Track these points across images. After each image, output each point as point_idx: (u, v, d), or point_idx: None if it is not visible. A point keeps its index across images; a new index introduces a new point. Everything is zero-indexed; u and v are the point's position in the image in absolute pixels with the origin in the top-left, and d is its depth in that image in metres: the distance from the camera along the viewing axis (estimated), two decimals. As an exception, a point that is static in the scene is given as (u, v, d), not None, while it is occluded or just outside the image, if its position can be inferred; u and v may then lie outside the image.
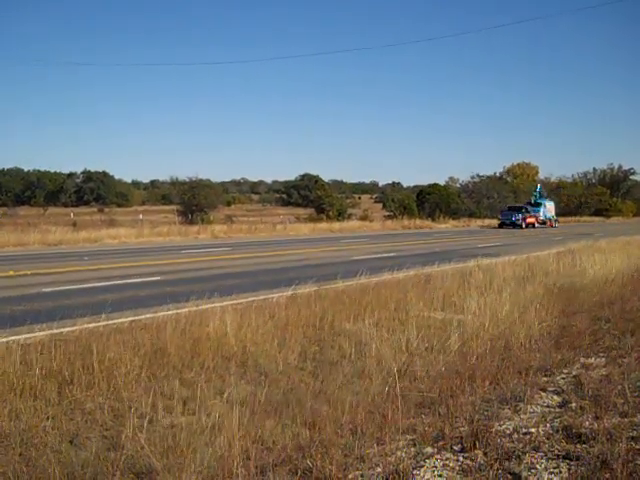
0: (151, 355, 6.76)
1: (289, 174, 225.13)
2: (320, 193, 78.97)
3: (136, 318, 9.10)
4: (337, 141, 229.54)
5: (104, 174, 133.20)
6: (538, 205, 68.41)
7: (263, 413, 5.16)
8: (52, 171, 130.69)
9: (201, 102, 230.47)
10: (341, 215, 71.06)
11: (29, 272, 17.55)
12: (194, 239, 37.59)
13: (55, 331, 8.17)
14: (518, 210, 62.21)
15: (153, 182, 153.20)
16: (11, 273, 17.20)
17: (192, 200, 59.21)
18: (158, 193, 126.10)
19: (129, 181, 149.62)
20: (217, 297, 10.45)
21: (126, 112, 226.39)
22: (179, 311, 9.22)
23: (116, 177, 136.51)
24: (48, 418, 5.18)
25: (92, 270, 18.40)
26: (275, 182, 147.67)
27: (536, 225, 63.40)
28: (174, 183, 68.70)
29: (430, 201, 76.38)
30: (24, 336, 7.71)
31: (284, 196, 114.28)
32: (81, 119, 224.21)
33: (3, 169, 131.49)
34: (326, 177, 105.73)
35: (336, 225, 55.69)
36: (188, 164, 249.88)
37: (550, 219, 68.31)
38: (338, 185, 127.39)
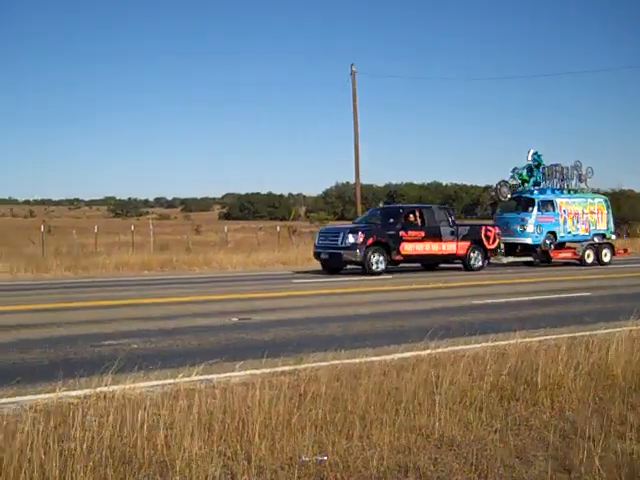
0: (594, 376, 6.50)
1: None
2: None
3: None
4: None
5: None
6: (526, 205, 26.35)
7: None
8: (469, 185, 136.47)
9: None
10: None
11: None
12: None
13: (490, 344, 8.26)
14: (391, 220, 22.96)
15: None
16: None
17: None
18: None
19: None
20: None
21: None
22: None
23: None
24: (495, 431, 5.23)
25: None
26: None
27: (473, 263, 23.73)
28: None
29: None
30: (464, 347, 7.98)
31: None
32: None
33: (424, 184, 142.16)
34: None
35: None
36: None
37: (582, 242, 26.80)
38: None
